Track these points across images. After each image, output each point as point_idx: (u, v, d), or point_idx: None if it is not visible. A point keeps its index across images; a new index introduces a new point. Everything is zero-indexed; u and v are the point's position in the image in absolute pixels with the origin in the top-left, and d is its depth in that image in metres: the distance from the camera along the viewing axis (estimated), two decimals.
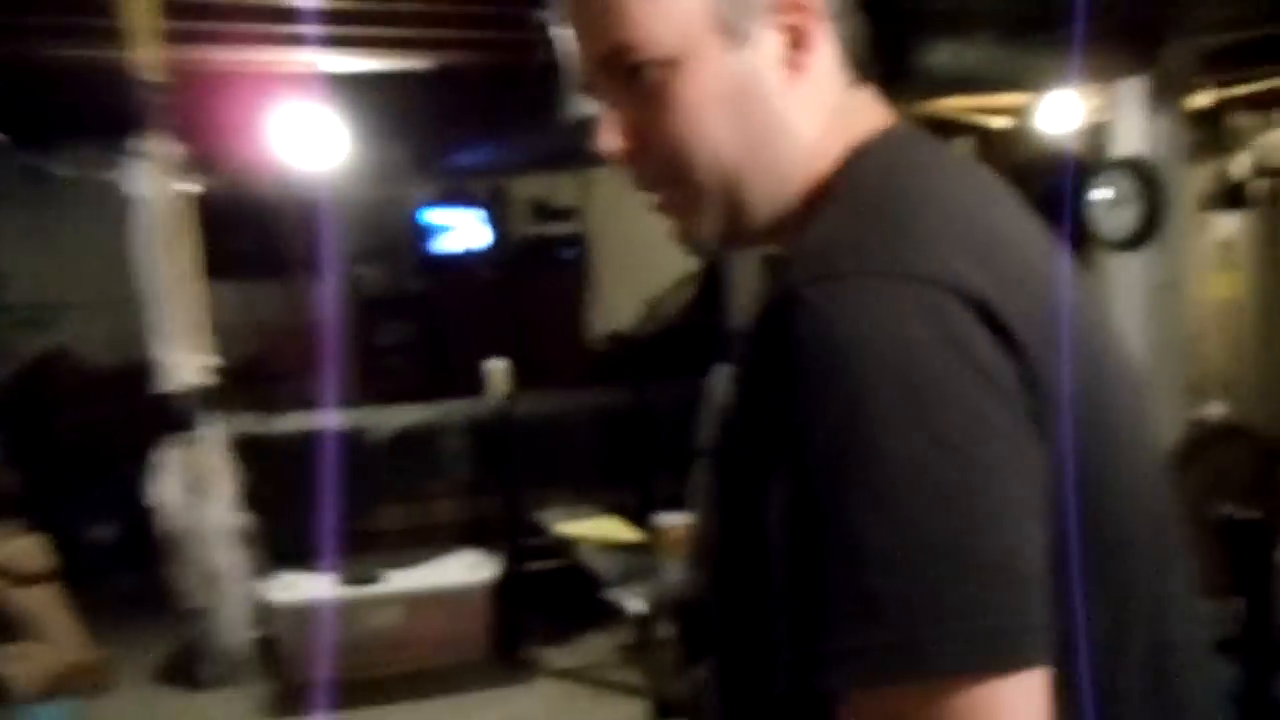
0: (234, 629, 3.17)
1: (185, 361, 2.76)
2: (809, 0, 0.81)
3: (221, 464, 3.01)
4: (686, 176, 0.83)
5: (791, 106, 0.82)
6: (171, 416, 2.74)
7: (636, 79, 0.81)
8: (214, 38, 4.38)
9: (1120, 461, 0.74)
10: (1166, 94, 3.26)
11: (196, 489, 2.93)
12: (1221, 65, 4.25)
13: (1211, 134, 5.70)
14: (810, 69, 0.83)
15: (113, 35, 4.15)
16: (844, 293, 0.67)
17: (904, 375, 0.64)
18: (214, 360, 2.77)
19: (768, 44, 0.81)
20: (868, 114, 0.86)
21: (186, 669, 4.39)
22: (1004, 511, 0.64)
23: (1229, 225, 6.13)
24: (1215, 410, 3.74)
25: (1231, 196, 6.06)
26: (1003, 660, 0.62)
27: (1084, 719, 0.70)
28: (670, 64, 0.80)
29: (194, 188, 2.60)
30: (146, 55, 4.18)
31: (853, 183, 0.80)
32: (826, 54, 0.84)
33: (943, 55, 2.73)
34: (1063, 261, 0.78)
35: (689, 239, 0.87)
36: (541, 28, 3.04)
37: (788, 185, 0.83)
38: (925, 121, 6.76)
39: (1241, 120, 6.29)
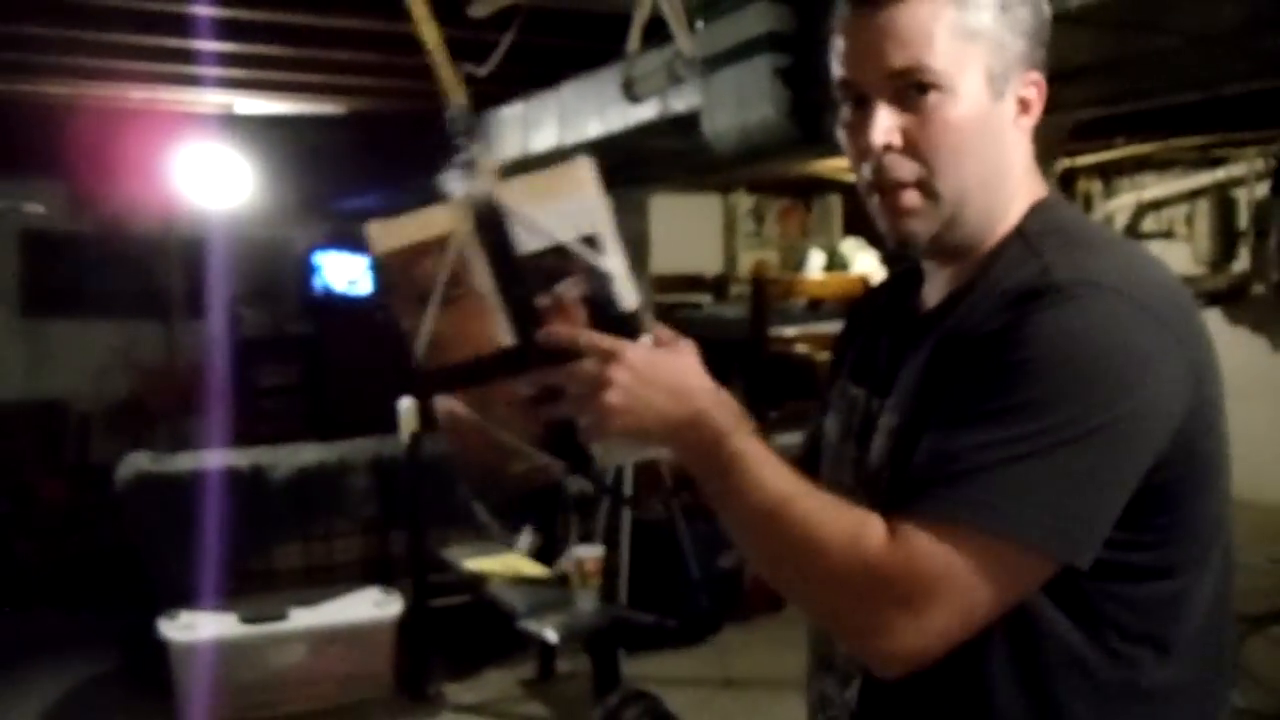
0: None
1: None
2: (1040, 82, 1.07)
3: None
4: (931, 181, 1.04)
5: (1013, 157, 1.08)
6: None
7: (921, 95, 1.02)
8: (119, 76, 4.37)
9: (1226, 460, 1.04)
10: (1040, 161, 3.59)
11: None
12: (1072, 136, 4.68)
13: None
14: (1026, 133, 1.08)
15: (13, 69, 4.12)
16: (1098, 296, 0.95)
17: (1117, 363, 0.94)
18: None
19: (1010, 104, 1.05)
20: (1038, 179, 1.11)
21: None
22: (1120, 469, 0.95)
23: None
24: None
25: None
26: (1038, 547, 0.93)
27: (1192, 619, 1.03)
28: (951, 93, 1.02)
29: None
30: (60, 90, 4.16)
31: (1051, 224, 1.06)
32: (1032, 126, 1.08)
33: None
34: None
35: (898, 235, 1.07)
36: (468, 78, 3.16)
37: (994, 217, 1.07)
38: (809, 179, 7.12)
39: (1088, 186, 6.85)
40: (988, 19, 1.02)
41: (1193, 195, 6.89)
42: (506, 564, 4.35)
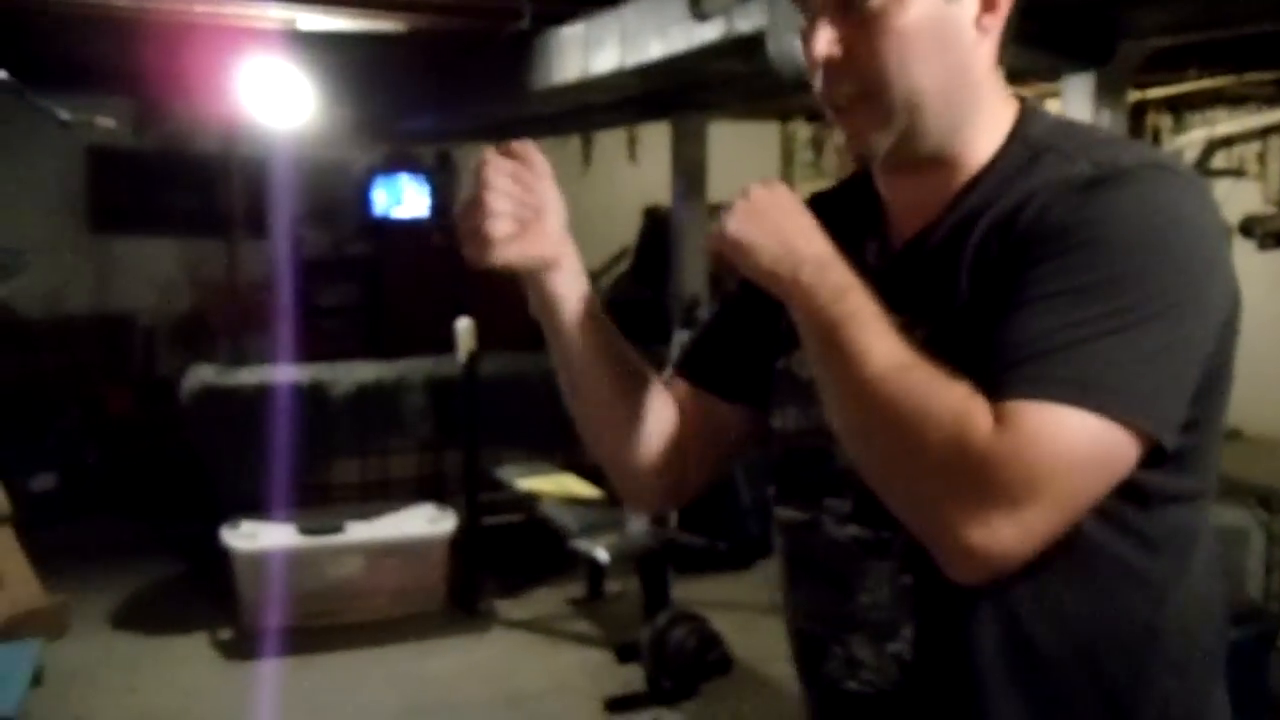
0: None
1: None
2: None
3: None
4: (880, 93, 0.98)
5: (977, 60, 1.00)
6: None
7: (862, 2, 0.97)
8: None
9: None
10: (1111, 90, 3.52)
11: None
12: (1146, 66, 4.55)
13: (1131, 132, 6.05)
14: (991, 34, 1.00)
15: None
16: (1168, 177, 0.94)
17: (1195, 241, 0.93)
18: None
19: (969, 3, 0.98)
20: (1004, 85, 1.05)
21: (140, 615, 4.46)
22: (1198, 348, 0.93)
23: None
24: None
25: None
26: (1141, 424, 0.89)
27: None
28: None
29: None
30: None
31: (1053, 126, 1.03)
32: (1000, 27, 1.01)
33: None
34: None
35: (857, 149, 1.03)
36: None
37: (959, 123, 1.01)
38: None
39: (1158, 120, 6.69)
40: None
41: (1265, 132, 6.69)
42: (559, 484, 4.41)
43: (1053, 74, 3.79)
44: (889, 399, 0.90)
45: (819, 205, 1.14)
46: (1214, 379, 0.96)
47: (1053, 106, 5.13)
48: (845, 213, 1.12)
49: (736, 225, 0.98)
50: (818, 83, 1.01)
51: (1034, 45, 3.44)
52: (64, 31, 5.02)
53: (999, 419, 0.87)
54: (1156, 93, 5.98)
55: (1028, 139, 1.01)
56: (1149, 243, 0.90)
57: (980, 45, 1.00)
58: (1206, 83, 5.60)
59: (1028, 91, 5.46)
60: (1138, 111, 6.21)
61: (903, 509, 0.93)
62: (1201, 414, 0.95)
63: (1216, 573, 1.05)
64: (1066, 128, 1.03)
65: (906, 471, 0.91)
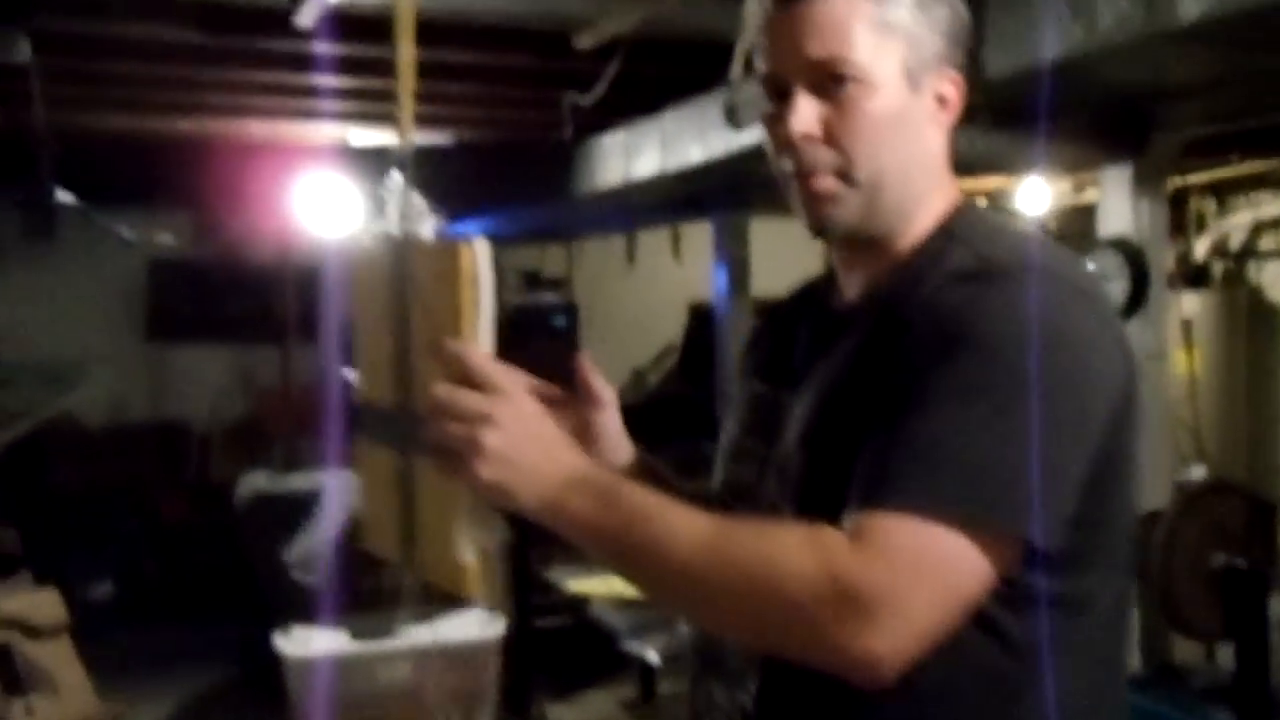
0: None
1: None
2: (957, 80, 1.10)
3: None
4: (848, 169, 1.06)
5: (930, 150, 1.10)
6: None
7: (839, 86, 1.05)
8: (237, 111, 4.56)
9: (1133, 476, 1.04)
10: (1150, 179, 3.54)
11: None
12: (1186, 154, 4.57)
13: (1174, 218, 6.04)
14: (944, 129, 1.10)
15: (149, 107, 4.32)
16: (1038, 278, 0.98)
17: (1067, 344, 0.96)
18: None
19: (928, 99, 1.08)
20: (953, 180, 1.14)
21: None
22: (1074, 449, 0.95)
23: (1189, 304, 6.45)
24: (1197, 472, 3.99)
25: (1193, 277, 6.40)
26: (1009, 528, 0.92)
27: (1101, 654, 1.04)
28: (869, 85, 1.05)
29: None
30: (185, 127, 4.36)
31: (974, 221, 1.10)
32: (952, 124, 1.10)
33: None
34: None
35: (817, 222, 1.09)
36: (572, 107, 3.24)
37: (911, 208, 1.09)
38: None
39: (1201, 205, 6.67)
40: (904, 14, 1.05)
41: None
42: (609, 585, 4.39)
43: (1091, 165, 3.82)
44: (722, 570, 0.91)
45: (789, 300, 1.28)
46: (1101, 478, 0.97)
47: (1092, 195, 5.14)
48: (805, 297, 1.25)
49: (490, 473, 0.97)
50: (786, 161, 1.08)
51: (1071, 137, 3.48)
52: (129, 153, 5.23)
53: (858, 533, 0.90)
54: (1198, 178, 5.98)
55: (949, 230, 1.08)
56: (1020, 345, 0.92)
57: (935, 138, 1.09)
58: (1249, 167, 5.60)
59: (1067, 183, 5.49)
60: (1180, 198, 6.21)
61: (789, 650, 0.95)
62: (1085, 514, 0.96)
63: (1099, 685, 1.04)
64: (983, 221, 1.10)
65: (774, 622, 0.92)
